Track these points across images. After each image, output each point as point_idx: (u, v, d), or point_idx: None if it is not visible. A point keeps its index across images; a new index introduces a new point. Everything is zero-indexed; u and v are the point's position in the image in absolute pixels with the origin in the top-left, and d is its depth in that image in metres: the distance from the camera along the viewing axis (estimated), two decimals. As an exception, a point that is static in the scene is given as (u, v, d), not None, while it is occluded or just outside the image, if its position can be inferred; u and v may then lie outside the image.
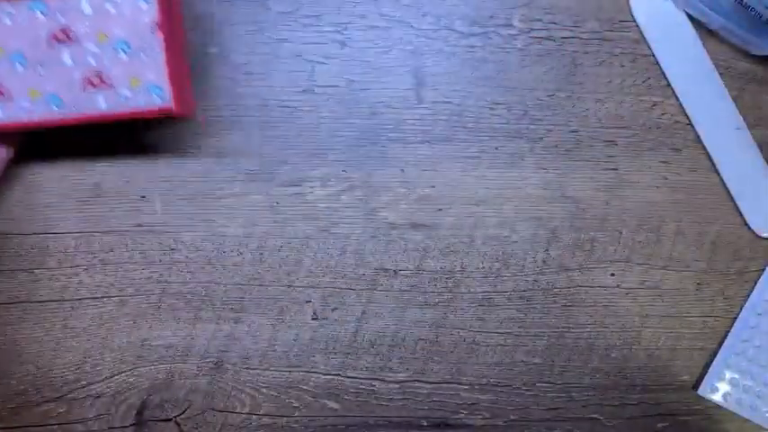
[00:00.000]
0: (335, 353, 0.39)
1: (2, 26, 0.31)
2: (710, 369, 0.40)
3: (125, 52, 0.31)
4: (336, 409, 0.39)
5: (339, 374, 0.39)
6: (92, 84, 0.31)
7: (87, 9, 0.31)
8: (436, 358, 0.39)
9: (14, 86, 0.31)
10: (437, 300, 0.39)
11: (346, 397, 0.39)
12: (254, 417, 0.39)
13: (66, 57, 0.31)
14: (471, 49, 0.38)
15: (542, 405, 0.40)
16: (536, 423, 0.40)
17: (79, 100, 0.31)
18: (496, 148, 0.39)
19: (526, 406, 0.40)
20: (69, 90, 0.31)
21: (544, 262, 0.39)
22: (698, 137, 0.41)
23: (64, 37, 0.31)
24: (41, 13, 0.31)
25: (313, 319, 0.39)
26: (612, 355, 0.40)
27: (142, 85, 0.31)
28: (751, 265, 0.41)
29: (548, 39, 0.39)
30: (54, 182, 0.37)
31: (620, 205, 0.40)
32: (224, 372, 0.38)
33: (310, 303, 0.39)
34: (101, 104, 0.31)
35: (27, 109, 0.31)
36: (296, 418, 0.39)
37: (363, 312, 0.39)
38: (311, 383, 0.39)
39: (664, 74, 0.40)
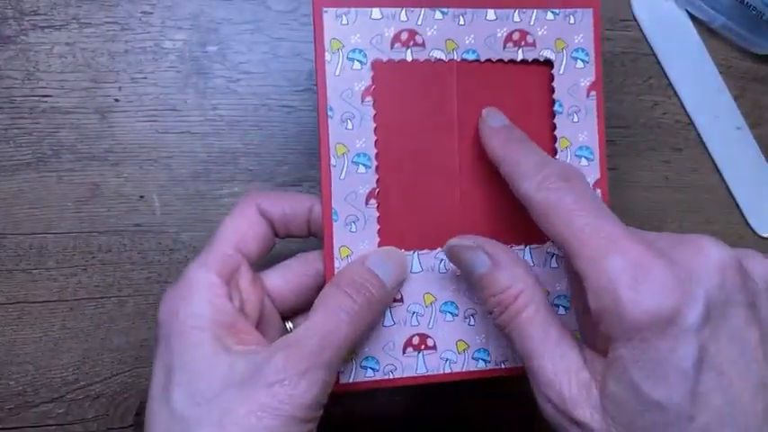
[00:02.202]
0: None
1: (436, 274, 0.30)
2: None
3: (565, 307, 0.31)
4: (336, 409, 0.39)
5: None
6: None
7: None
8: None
9: (442, 337, 0.30)
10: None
11: (347, 396, 0.39)
12: (253, 417, 0.39)
13: None
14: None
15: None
16: (537, 424, 0.40)
17: (507, 354, 0.31)
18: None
19: (527, 406, 0.40)
20: (499, 344, 0.30)
21: (545, 262, 0.39)
22: (699, 136, 0.41)
23: None
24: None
25: (313, 319, 0.39)
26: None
27: None
28: (752, 265, 0.41)
29: (548, 38, 0.39)
30: (52, 182, 0.36)
31: (620, 205, 0.40)
32: (223, 372, 0.38)
33: (310, 304, 0.38)
34: None
35: (451, 361, 0.30)
36: None
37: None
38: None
39: (665, 73, 0.40)
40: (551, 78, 0.31)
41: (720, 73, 0.41)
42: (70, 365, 0.37)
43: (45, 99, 0.36)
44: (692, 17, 0.40)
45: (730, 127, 0.41)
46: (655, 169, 0.41)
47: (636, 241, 0.22)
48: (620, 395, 0.22)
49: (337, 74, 0.29)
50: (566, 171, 0.25)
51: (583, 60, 0.31)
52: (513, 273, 0.26)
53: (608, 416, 0.22)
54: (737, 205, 0.41)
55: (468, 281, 0.29)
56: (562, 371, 0.24)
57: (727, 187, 0.41)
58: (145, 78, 0.37)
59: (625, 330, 0.21)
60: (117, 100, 0.37)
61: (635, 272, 0.21)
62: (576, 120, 0.31)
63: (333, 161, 0.29)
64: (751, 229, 0.41)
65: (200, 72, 0.37)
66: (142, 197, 0.37)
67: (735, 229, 0.41)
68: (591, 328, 0.27)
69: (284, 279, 0.30)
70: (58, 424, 0.37)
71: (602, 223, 0.23)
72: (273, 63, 0.38)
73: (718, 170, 0.41)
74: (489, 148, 0.29)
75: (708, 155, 0.41)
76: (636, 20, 0.40)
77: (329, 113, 0.29)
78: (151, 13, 0.37)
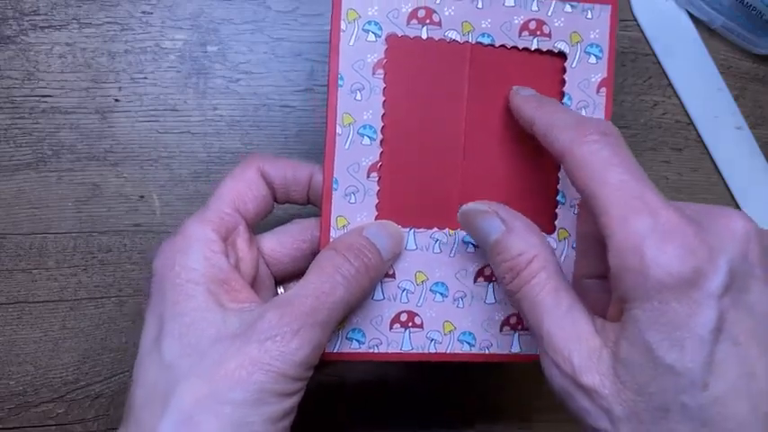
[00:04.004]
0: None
1: (429, 254, 0.30)
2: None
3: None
4: (335, 410, 0.39)
5: (338, 374, 0.39)
6: (509, 324, 0.31)
7: None
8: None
9: (429, 317, 0.30)
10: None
11: (346, 397, 0.39)
12: (253, 417, 0.38)
13: (489, 294, 0.30)
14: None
15: (545, 403, 0.40)
16: (537, 424, 0.40)
17: (492, 340, 0.31)
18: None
19: (528, 406, 0.40)
20: (486, 329, 0.30)
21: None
22: (699, 136, 0.41)
23: (491, 275, 0.30)
24: (474, 246, 0.30)
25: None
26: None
27: None
28: (752, 265, 0.41)
29: (548, 38, 0.39)
30: (52, 182, 0.36)
31: (620, 205, 0.40)
32: (223, 372, 0.38)
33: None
34: (515, 346, 0.31)
35: (436, 341, 0.30)
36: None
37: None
38: (310, 382, 0.39)
39: (665, 73, 0.40)
40: (563, 71, 0.31)
41: (720, 73, 0.41)
42: (70, 365, 0.37)
43: (45, 99, 0.36)
44: (692, 17, 0.40)
45: (730, 127, 0.41)
46: (655, 169, 0.41)
47: (666, 205, 0.22)
48: (634, 358, 0.22)
49: (351, 44, 0.29)
50: (605, 126, 0.25)
51: (596, 56, 0.31)
52: (526, 239, 0.26)
53: (618, 381, 0.22)
54: (737, 205, 0.41)
55: (481, 246, 0.28)
56: (573, 338, 0.23)
57: (727, 187, 0.41)
58: (145, 78, 0.37)
59: (646, 290, 0.21)
60: (117, 100, 0.37)
61: (663, 233, 0.21)
62: (584, 114, 0.31)
63: (339, 130, 0.29)
64: (751, 229, 0.41)
65: (200, 72, 0.37)
66: (142, 197, 0.37)
67: (735, 229, 0.41)
68: (593, 296, 0.27)
69: (280, 243, 0.30)
70: (57, 424, 0.37)
71: (635, 183, 0.23)
72: (273, 63, 0.38)
73: (718, 170, 0.41)
74: (522, 111, 0.28)
75: (708, 155, 0.41)
76: (636, 20, 0.40)
77: (339, 82, 0.29)
78: (151, 13, 0.37)
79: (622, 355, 0.22)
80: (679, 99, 0.41)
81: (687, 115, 0.41)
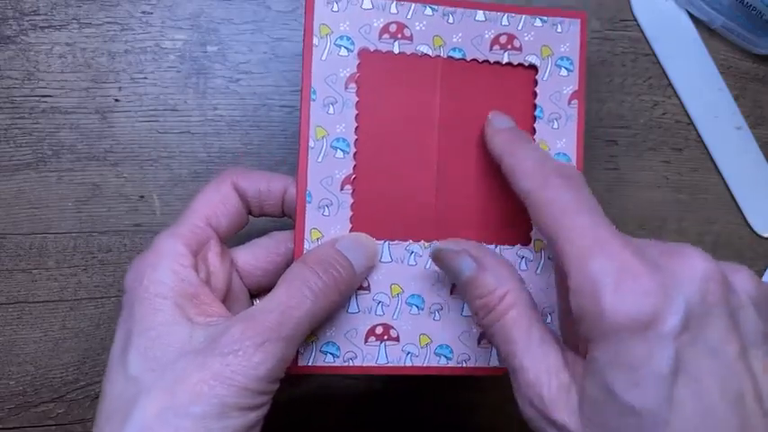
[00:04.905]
0: (335, 353, 0.39)
1: (405, 266, 0.30)
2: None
3: None
4: (333, 410, 0.39)
5: (336, 374, 0.39)
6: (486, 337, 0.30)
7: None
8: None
9: (405, 330, 0.30)
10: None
11: (344, 397, 0.39)
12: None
13: (466, 306, 0.30)
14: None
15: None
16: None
17: (470, 353, 0.30)
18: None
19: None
20: (463, 342, 0.30)
21: (545, 262, 0.39)
22: (699, 136, 0.41)
23: None
24: None
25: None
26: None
27: None
28: (752, 265, 0.41)
29: (548, 38, 0.39)
30: (52, 182, 0.36)
31: (621, 205, 0.40)
32: (223, 372, 0.38)
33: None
34: (494, 360, 0.31)
35: (413, 354, 0.30)
36: (294, 417, 0.39)
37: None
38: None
39: (665, 73, 0.40)
40: (535, 83, 0.31)
41: (720, 73, 0.41)
42: (70, 365, 0.37)
43: (45, 99, 0.36)
44: (692, 17, 0.40)
45: (730, 127, 0.41)
46: (655, 169, 0.41)
47: (624, 246, 0.22)
48: (597, 398, 0.22)
49: (323, 58, 0.29)
50: (566, 169, 0.25)
51: (567, 69, 0.31)
52: (498, 274, 0.26)
53: (585, 418, 0.22)
54: (737, 205, 0.41)
55: (455, 284, 0.29)
56: (543, 371, 0.24)
57: (727, 187, 0.41)
58: (145, 78, 0.37)
59: (603, 333, 0.21)
60: (117, 100, 0.37)
61: (619, 275, 0.21)
62: (555, 126, 0.31)
63: (311, 143, 0.29)
64: (751, 229, 0.41)
65: (200, 72, 0.37)
66: (142, 197, 0.37)
67: (735, 229, 0.41)
68: (571, 329, 0.27)
69: (254, 256, 0.30)
70: (57, 424, 0.37)
71: (593, 224, 0.23)
72: (273, 63, 0.38)
73: (718, 170, 0.41)
74: (492, 145, 0.29)
75: (708, 155, 0.41)
76: (636, 20, 0.40)
77: (312, 96, 0.29)
78: (151, 13, 0.37)
79: (587, 393, 0.22)
80: (679, 99, 0.41)
81: (687, 115, 0.41)
